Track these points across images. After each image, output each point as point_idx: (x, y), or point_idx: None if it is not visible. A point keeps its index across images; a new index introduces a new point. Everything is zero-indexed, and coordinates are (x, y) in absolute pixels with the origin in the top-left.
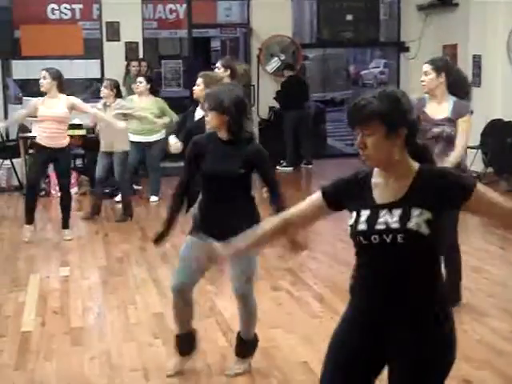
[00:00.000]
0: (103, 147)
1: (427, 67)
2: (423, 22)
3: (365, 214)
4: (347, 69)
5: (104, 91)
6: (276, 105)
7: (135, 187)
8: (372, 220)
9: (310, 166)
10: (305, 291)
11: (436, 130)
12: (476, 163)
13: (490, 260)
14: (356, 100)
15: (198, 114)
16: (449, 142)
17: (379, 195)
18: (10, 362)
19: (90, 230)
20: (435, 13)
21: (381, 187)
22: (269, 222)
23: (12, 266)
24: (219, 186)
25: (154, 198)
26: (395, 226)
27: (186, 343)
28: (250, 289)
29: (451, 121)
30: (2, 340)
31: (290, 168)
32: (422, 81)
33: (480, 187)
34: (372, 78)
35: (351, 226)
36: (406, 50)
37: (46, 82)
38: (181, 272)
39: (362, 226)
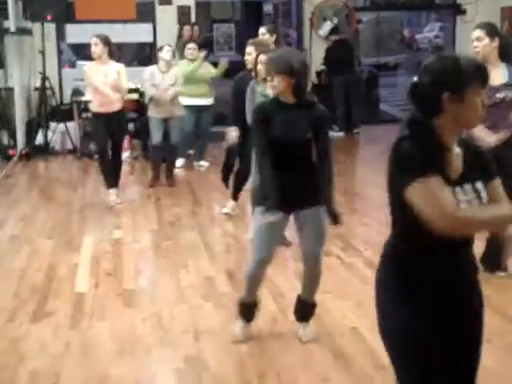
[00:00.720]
0: (158, 113)
1: (480, 32)
2: None
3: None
4: (401, 32)
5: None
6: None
7: (190, 151)
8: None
9: (357, 131)
10: (355, 257)
11: (499, 95)
12: None
13: None
14: None
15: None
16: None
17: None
18: (65, 322)
19: (142, 193)
20: None
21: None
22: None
23: (66, 228)
24: (291, 151)
25: (204, 163)
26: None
27: (252, 311)
28: (322, 250)
29: (509, 86)
30: (57, 300)
31: (342, 133)
32: (476, 47)
33: None
34: (427, 42)
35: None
36: (463, 12)
37: (98, 49)
38: (265, 244)
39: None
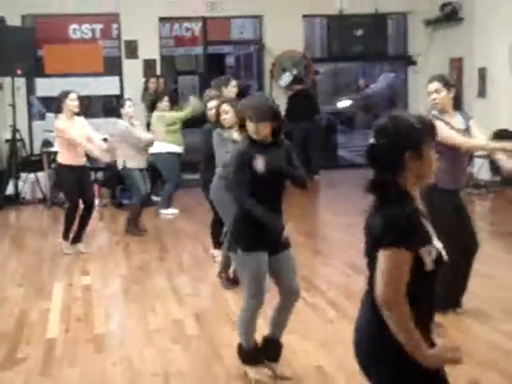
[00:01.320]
0: (138, 164)
1: (437, 85)
2: (429, 36)
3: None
4: (357, 82)
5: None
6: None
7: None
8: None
9: (316, 177)
10: (318, 297)
11: None
12: (482, 172)
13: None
14: None
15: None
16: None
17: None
18: (36, 368)
19: (111, 240)
20: (441, 27)
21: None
22: None
23: (37, 275)
24: (276, 185)
25: (172, 211)
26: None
27: (257, 354)
28: None
29: (466, 130)
30: (28, 346)
31: None
32: (434, 99)
33: None
34: (380, 91)
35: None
36: (414, 63)
37: (77, 105)
38: (262, 287)
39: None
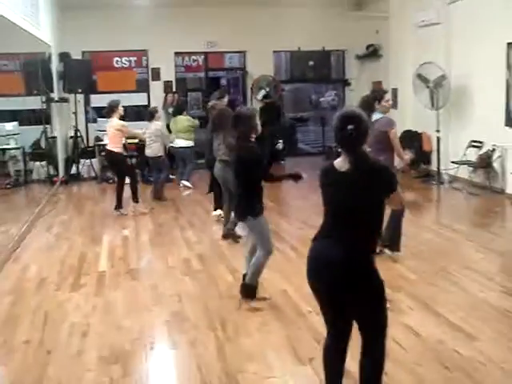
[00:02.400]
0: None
1: (388, 95)
2: (359, 66)
3: None
4: (310, 97)
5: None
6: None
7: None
8: None
9: (282, 162)
10: (284, 244)
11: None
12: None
13: None
14: None
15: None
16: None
17: None
18: (92, 290)
19: (141, 205)
20: (367, 60)
21: None
22: None
23: (91, 229)
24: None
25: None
26: None
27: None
28: None
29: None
30: (87, 276)
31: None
32: (388, 100)
33: None
34: (327, 103)
35: None
36: (349, 84)
37: (123, 110)
38: (271, 240)
39: None
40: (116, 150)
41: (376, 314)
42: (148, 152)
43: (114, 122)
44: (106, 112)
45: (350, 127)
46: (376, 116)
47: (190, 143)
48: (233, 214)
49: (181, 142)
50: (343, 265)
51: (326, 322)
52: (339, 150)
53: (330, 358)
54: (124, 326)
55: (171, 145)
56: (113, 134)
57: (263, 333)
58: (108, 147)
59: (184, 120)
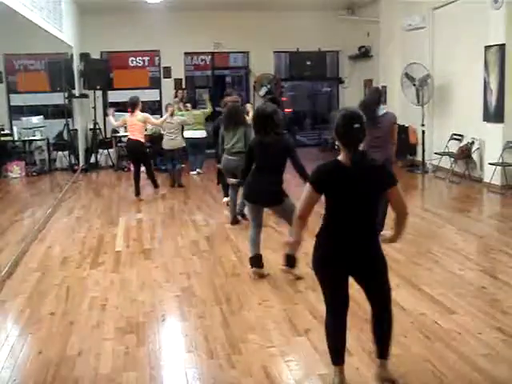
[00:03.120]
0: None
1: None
2: (352, 65)
3: None
4: (307, 93)
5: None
6: None
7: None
8: None
9: None
10: (283, 228)
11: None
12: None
13: None
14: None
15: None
16: None
17: None
18: (109, 268)
19: (153, 191)
20: (358, 60)
21: None
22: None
23: (109, 212)
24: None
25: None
26: None
27: (257, 260)
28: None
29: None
30: (104, 255)
31: None
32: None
33: None
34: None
35: None
36: (342, 82)
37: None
38: (253, 218)
39: None
40: (141, 139)
41: (387, 283)
42: (172, 144)
43: (139, 115)
44: (129, 106)
45: (356, 126)
46: (381, 110)
47: (204, 133)
48: (239, 198)
49: (195, 133)
50: (364, 250)
51: (329, 301)
52: (337, 145)
53: (335, 331)
54: (138, 300)
55: (187, 136)
56: (138, 125)
57: (264, 307)
58: (132, 137)
59: (198, 113)
